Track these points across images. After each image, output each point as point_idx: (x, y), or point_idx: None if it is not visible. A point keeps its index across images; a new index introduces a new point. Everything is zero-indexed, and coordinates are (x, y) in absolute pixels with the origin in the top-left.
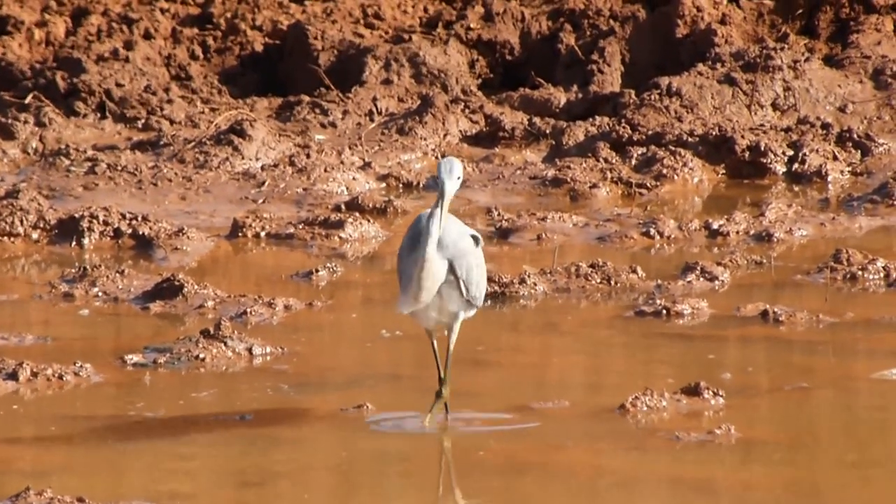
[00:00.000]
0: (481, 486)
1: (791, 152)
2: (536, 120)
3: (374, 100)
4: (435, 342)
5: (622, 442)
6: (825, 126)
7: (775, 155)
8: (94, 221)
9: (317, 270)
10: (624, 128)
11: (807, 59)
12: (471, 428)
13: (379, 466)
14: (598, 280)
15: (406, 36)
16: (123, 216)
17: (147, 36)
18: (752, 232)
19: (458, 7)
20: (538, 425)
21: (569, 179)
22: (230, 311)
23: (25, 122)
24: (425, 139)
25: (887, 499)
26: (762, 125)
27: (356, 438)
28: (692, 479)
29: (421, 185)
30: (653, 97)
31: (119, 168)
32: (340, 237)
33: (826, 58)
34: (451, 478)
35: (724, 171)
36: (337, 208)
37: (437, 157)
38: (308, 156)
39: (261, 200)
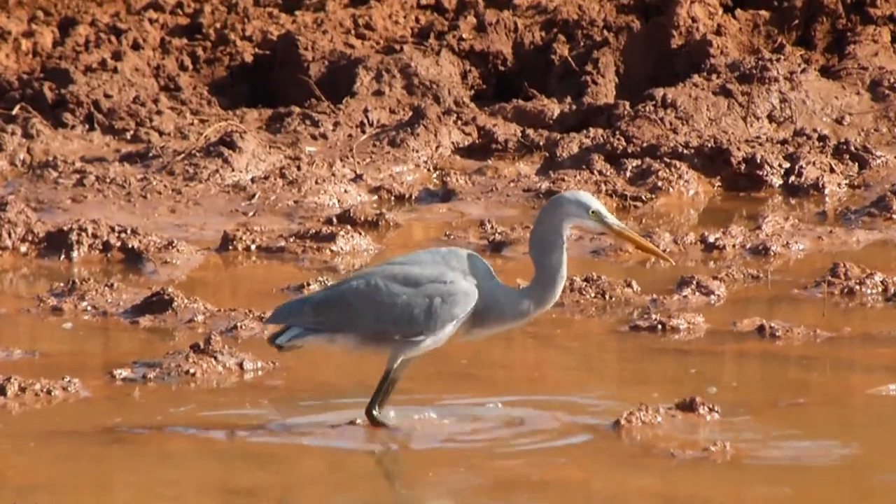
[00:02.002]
0: (470, 503)
1: (787, 164)
2: (530, 132)
3: (366, 111)
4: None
5: (617, 458)
6: (822, 138)
7: (772, 167)
8: (83, 234)
9: (308, 284)
10: (618, 140)
11: (803, 71)
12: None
13: (368, 483)
14: (593, 294)
15: (397, 47)
16: (112, 229)
17: (136, 46)
18: (748, 245)
19: (450, 17)
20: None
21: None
22: (220, 326)
23: (13, 133)
24: (417, 151)
25: None
26: (758, 137)
27: (346, 455)
28: (687, 496)
29: (413, 198)
30: (647, 109)
31: (108, 180)
32: (332, 250)
33: (823, 69)
34: (441, 495)
35: (719, 184)
36: (328, 221)
37: (429, 170)
38: (299, 168)
39: (251, 213)
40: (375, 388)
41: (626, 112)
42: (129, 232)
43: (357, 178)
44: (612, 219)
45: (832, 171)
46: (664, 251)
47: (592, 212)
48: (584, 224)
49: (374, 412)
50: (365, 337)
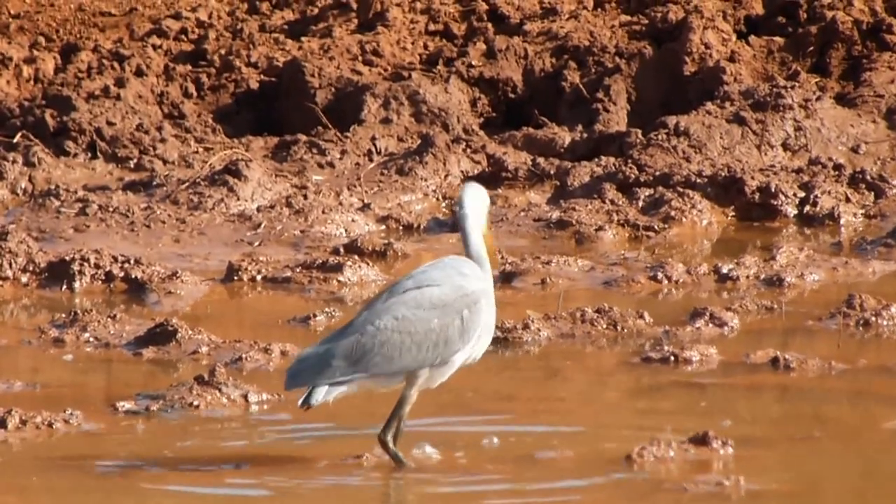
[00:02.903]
0: None
1: (802, 194)
2: (540, 160)
3: (373, 139)
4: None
5: (629, 493)
6: (837, 167)
7: (786, 197)
8: (86, 264)
9: (314, 315)
10: (630, 168)
11: (818, 98)
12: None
13: None
14: (604, 325)
15: (405, 73)
16: (115, 259)
17: (139, 73)
18: (762, 276)
19: (459, 44)
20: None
21: (574, 222)
22: (225, 357)
23: (14, 161)
24: (426, 180)
25: None
26: (772, 166)
27: (353, 490)
28: None
29: (422, 228)
30: (660, 137)
31: (111, 209)
32: (339, 281)
33: (838, 96)
34: None
35: (733, 214)
36: (335, 251)
37: (437, 199)
38: (305, 197)
39: (257, 243)
40: (391, 414)
41: (638, 140)
42: (132, 262)
43: (365, 208)
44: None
45: (848, 200)
46: (676, 282)
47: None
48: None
49: (388, 441)
50: (403, 371)
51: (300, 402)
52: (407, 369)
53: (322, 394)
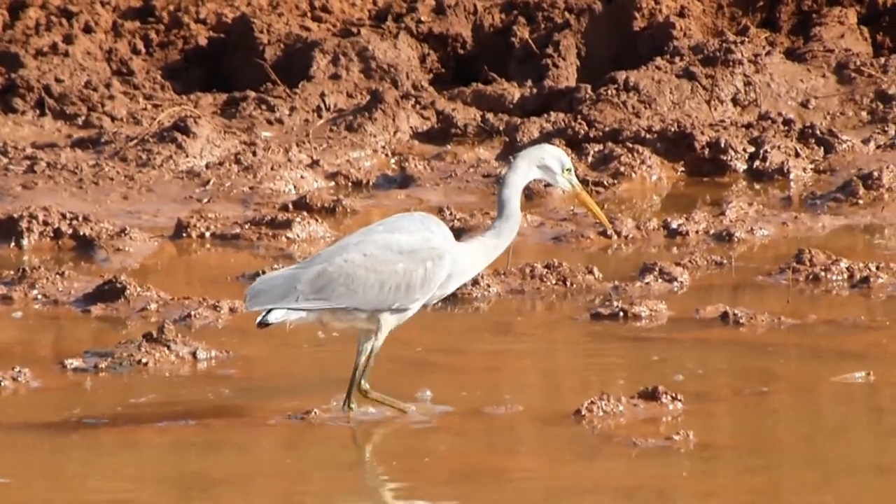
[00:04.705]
0: (432, 494)
1: (752, 149)
2: (490, 116)
3: (322, 95)
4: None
5: (578, 448)
6: (787, 122)
7: (736, 152)
8: (34, 221)
9: (263, 272)
10: (580, 124)
11: (768, 53)
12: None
13: (325, 473)
14: (554, 281)
15: (355, 29)
16: (64, 216)
17: (87, 29)
18: (712, 231)
19: (409, 0)
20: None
21: None
22: (174, 314)
23: None
24: (375, 136)
25: None
26: (722, 121)
27: (302, 445)
28: (650, 486)
29: (371, 184)
30: (609, 92)
31: (59, 167)
32: (288, 237)
33: (788, 51)
34: (401, 486)
35: (683, 169)
36: (284, 208)
37: (387, 155)
38: (254, 153)
39: (206, 200)
40: (361, 369)
41: (587, 96)
42: (80, 219)
43: (313, 164)
44: (575, 180)
45: (797, 155)
46: (626, 237)
47: (567, 169)
48: (553, 179)
49: (369, 390)
50: (361, 310)
51: (258, 320)
52: (366, 307)
53: (281, 315)
